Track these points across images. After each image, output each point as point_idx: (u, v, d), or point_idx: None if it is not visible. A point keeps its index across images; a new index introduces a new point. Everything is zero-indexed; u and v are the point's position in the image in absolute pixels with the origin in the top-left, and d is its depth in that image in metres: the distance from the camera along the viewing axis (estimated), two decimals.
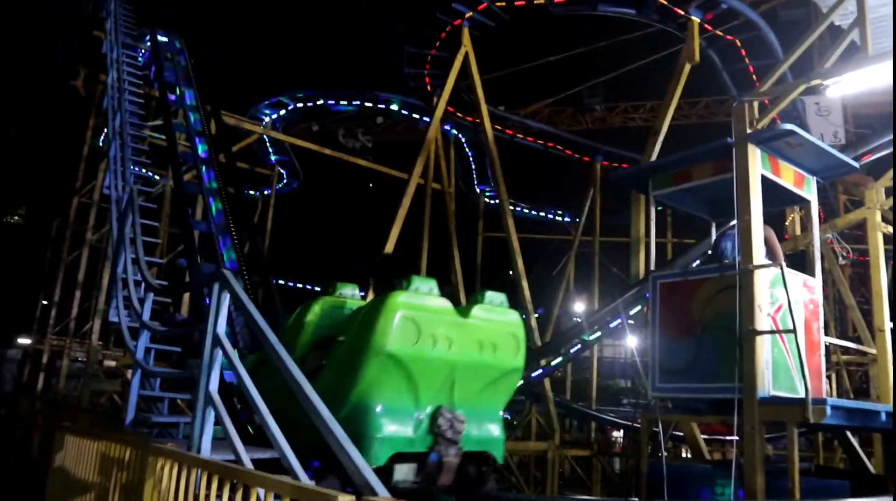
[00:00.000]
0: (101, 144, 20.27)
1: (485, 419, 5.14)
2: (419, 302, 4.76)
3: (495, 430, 5.21)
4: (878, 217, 8.98)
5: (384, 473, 4.36)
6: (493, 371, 5.12)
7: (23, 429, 17.65)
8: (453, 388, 4.88)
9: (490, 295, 5.19)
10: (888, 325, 8.22)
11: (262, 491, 3.19)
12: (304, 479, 3.52)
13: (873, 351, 8.55)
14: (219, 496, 3.45)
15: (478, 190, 27.26)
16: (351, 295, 6.05)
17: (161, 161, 17.64)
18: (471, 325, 4.94)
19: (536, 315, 17.60)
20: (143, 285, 7.39)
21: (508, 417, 6.38)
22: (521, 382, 5.66)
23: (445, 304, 4.92)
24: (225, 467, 3.57)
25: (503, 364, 5.13)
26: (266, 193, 26.38)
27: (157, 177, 20.13)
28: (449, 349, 4.78)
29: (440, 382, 4.82)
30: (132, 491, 4.30)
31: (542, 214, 29.80)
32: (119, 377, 18.38)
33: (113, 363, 19.60)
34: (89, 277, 20.00)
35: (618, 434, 24.10)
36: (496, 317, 5.13)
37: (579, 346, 14.04)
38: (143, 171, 11.65)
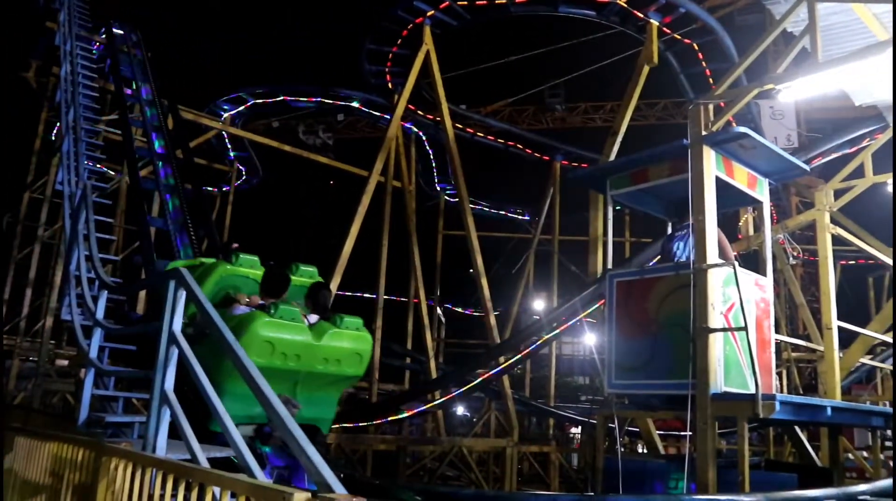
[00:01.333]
0: (53, 138, 19.81)
1: (319, 403, 6.33)
2: (278, 327, 5.75)
3: (326, 412, 6.45)
4: (827, 219, 9.24)
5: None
6: (334, 378, 6.26)
7: None
8: (296, 385, 6.05)
9: (347, 321, 6.25)
10: (835, 323, 8.47)
11: (217, 490, 3.17)
12: (261, 477, 3.51)
13: (821, 348, 8.79)
14: (174, 495, 3.42)
15: (438, 188, 27.29)
16: (250, 267, 7.08)
17: (116, 156, 17.30)
18: (321, 346, 6.01)
19: (496, 313, 17.70)
20: (96, 282, 7.27)
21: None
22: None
23: (301, 331, 5.92)
24: (180, 466, 3.54)
25: (343, 373, 6.26)
26: (224, 189, 26.05)
27: (111, 173, 19.75)
28: (297, 362, 5.91)
29: (285, 382, 5.89)
30: (85, 493, 4.23)
31: (502, 212, 29.95)
32: (72, 376, 17.99)
33: (65, 363, 19.17)
34: (41, 274, 19.51)
35: (576, 431, 24.41)
36: (345, 342, 6.18)
37: (538, 344, 14.16)
38: (98, 166, 11.43)
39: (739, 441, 5.85)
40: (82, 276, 7.41)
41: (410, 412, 15.22)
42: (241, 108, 24.02)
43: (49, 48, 17.20)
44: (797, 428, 7.95)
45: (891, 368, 12.45)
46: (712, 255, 6.29)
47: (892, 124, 9.53)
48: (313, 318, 6.25)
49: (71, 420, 7.19)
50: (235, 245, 8.19)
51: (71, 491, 4.46)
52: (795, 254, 13.05)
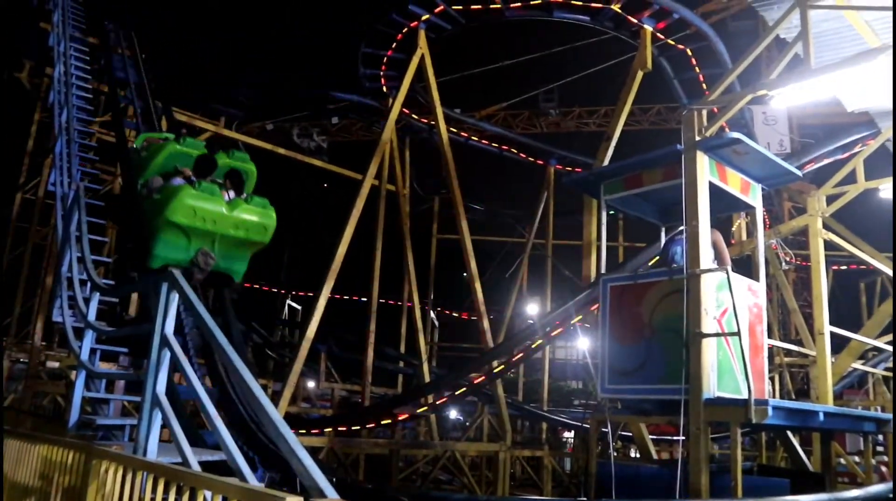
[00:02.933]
0: (50, 145, 19.73)
1: (232, 259, 8.58)
2: (199, 198, 7.89)
3: (238, 266, 8.75)
4: (820, 224, 9.27)
5: (160, 271, 7.39)
6: (243, 241, 8.46)
7: None
8: (214, 242, 8.23)
9: (256, 200, 8.53)
10: (827, 328, 8.49)
11: (209, 494, 3.15)
12: (252, 481, 3.50)
13: (814, 353, 8.81)
14: (164, 499, 3.40)
15: (432, 192, 27.27)
16: (194, 148, 8.99)
17: (109, 158, 17.24)
18: (233, 216, 8.19)
19: (490, 317, 17.69)
20: (88, 284, 7.24)
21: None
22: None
23: (218, 203, 8.06)
24: (171, 469, 3.52)
25: (251, 239, 8.47)
26: None
27: (105, 174, 19.68)
28: (214, 226, 8.08)
29: (206, 239, 8.16)
30: (75, 496, 4.20)
31: (496, 216, 29.94)
32: (63, 378, 17.89)
33: (56, 364, 19.06)
34: (32, 275, 19.43)
35: (569, 435, 24.38)
36: (253, 216, 8.40)
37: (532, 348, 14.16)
38: (90, 167, 11.38)
39: (732, 446, 5.85)
40: (74, 278, 7.38)
41: (403, 416, 15.18)
42: (235, 110, 23.96)
43: (43, 49, 17.13)
44: (789, 433, 7.96)
45: (883, 373, 12.50)
46: (706, 260, 6.30)
47: (893, 128, 9.58)
48: (232, 194, 8.35)
49: (61, 423, 7.15)
50: (184, 131, 9.94)
51: (61, 494, 4.43)
52: (788, 259, 13.08)
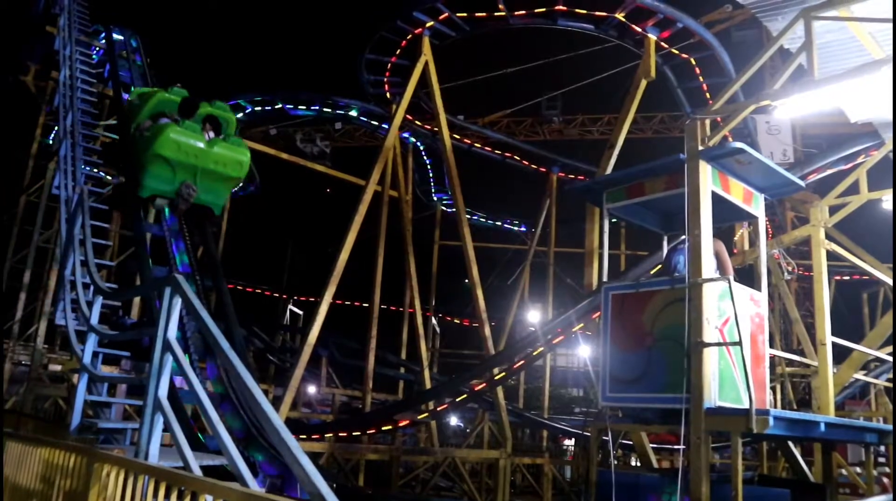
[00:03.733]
0: (51, 142, 19.79)
1: (212, 192, 9.82)
2: (182, 134, 9.15)
3: (217, 199, 10.05)
4: (822, 234, 9.25)
5: (150, 201, 9.67)
6: (222, 176, 9.74)
7: None
8: (196, 176, 9.47)
9: (234, 139, 9.84)
10: (829, 339, 8.48)
11: (210, 498, 3.16)
12: (253, 486, 3.50)
13: (816, 364, 8.80)
14: None
15: (435, 198, 27.32)
16: (178, 95, 10.18)
17: (113, 161, 17.29)
18: (212, 152, 9.44)
19: (491, 324, 17.69)
20: (91, 287, 7.26)
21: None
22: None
23: (199, 139, 9.29)
24: (172, 473, 3.53)
25: (228, 174, 9.75)
26: None
27: (108, 177, 19.73)
28: (196, 160, 9.32)
29: (189, 172, 9.43)
30: (77, 499, 4.21)
31: (499, 223, 29.98)
32: (64, 381, 17.90)
33: (58, 367, 19.08)
34: (35, 278, 19.48)
35: (569, 443, 24.36)
36: (230, 152, 9.64)
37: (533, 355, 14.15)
38: (95, 171, 11.42)
39: (733, 455, 5.84)
40: (77, 281, 7.40)
41: (404, 422, 15.17)
42: (238, 115, 24.04)
43: (48, 52, 17.22)
44: (791, 443, 7.95)
45: (884, 384, 12.48)
46: (708, 269, 6.30)
47: (892, 140, 9.59)
48: (211, 135, 9.64)
49: (63, 426, 7.16)
50: (179, 84, 10.90)
51: (62, 497, 4.44)
52: (790, 269, 13.07)
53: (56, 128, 17.01)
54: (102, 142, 15.55)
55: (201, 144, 9.30)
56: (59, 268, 8.81)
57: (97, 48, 16.06)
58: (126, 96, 12.34)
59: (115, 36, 15.86)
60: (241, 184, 11.34)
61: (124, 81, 14.30)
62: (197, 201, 9.76)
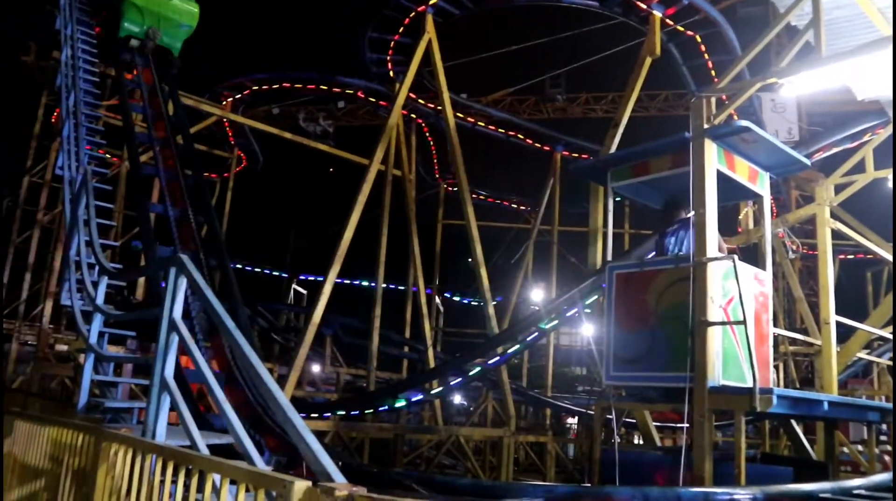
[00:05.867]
0: (53, 122, 19.75)
1: (172, 37, 13.50)
2: None
3: (175, 43, 13.68)
4: (827, 213, 9.23)
5: (125, 41, 13.52)
6: (179, 23, 13.41)
7: None
8: (160, 22, 13.24)
9: None
10: (833, 318, 8.48)
11: (217, 477, 3.19)
12: (260, 464, 3.53)
13: (819, 343, 8.81)
14: (174, 481, 3.44)
15: (438, 177, 27.26)
16: None
17: (116, 141, 17.27)
18: (171, 4, 13.29)
19: (495, 303, 17.70)
20: (96, 267, 7.28)
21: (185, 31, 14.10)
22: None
23: None
24: (180, 452, 3.56)
25: (184, 22, 13.64)
26: (224, 175, 26.03)
27: (111, 157, 19.70)
28: (159, 9, 13.26)
29: (154, 19, 13.16)
30: (84, 477, 4.25)
31: (502, 202, 29.92)
32: (71, 361, 18.02)
33: (64, 347, 19.19)
34: (40, 259, 19.53)
35: (572, 421, 24.48)
36: (185, 4, 13.62)
37: (536, 334, 14.16)
38: (98, 151, 11.40)
39: (736, 434, 5.87)
40: (82, 261, 7.42)
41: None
42: (241, 94, 23.97)
43: (49, 32, 17.10)
44: (793, 422, 7.98)
45: (887, 363, 12.50)
46: (712, 248, 6.30)
47: (892, 119, 9.52)
48: None
49: (70, 405, 7.22)
50: None
51: (70, 476, 4.48)
52: (795, 248, 13.02)
53: (58, 108, 16.95)
54: (105, 122, 15.53)
55: None
56: (64, 249, 8.84)
57: (98, 27, 15.93)
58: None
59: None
60: (193, 31, 14.26)
61: (126, 61, 14.21)
62: (161, 43, 13.66)
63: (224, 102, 23.78)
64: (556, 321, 13.64)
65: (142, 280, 15.86)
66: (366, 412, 15.40)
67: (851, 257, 25.14)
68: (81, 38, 13.84)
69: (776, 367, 13.29)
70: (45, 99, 19.59)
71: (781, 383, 14.11)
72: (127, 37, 13.52)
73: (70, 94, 12.00)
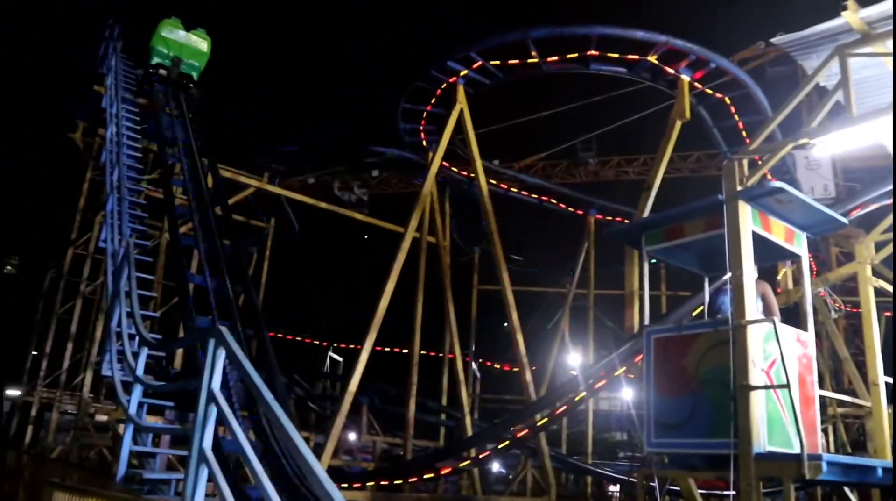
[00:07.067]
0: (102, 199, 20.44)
1: (191, 66, 17.21)
2: (173, 26, 17.16)
3: (195, 71, 17.31)
4: (869, 271, 9.05)
5: (156, 68, 16.93)
6: (198, 52, 17.35)
7: (9, 484, 17.31)
8: (181, 52, 17.10)
9: (200, 30, 17.50)
10: (882, 378, 8.22)
11: None
12: None
13: (869, 404, 8.53)
14: None
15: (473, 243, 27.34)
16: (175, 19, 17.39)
17: (157, 213, 17.76)
18: (191, 39, 17.32)
19: (532, 368, 17.50)
20: (137, 338, 7.39)
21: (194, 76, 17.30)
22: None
23: (181, 29, 17.19)
24: None
25: (202, 51, 17.45)
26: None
27: (152, 230, 20.21)
28: (181, 42, 17.11)
29: (177, 50, 16.98)
30: None
31: (537, 267, 29.82)
32: (109, 430, 18.13)
33: (104, 417, 19.34)
34: (81, 328, 19.90)
35: (614, 489, 23.77)
36: (200, 38, 17.48)
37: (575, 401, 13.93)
38: (139, 225, 11.71)
39: None
40: (123, 332, 7.54)
41: (446, 470, 14.98)
42: (277, 165, 24.51)
43: (96, 110, 17.86)
44: (846, 489, 7.68)
45: None
46: (751, 310, 6.20)
47: (893, 173, 9.38)
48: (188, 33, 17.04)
49: (108, 476, 7.23)
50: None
51: None
52: (837, 307, 12.74)
53: (103, 183, 17.59)
54: (147, 195, 15.99)
55: (182, 33, 17.03)
56: (106, 320, 9.01)
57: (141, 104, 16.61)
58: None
59: (159, 93, 16.41)
60: (207, 59, 17.50)
61: (167, 137, 14.72)
62: (183, 70, 16.89)
63: (262, 174, 24.36)
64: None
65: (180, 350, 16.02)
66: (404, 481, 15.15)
67: None
68: (126, 115, 14.42)
69: (825, 431, 12.87)
70: (90, 174, 20.28)
71: (831, 447, 13.63)
72: (157, 64, 16.68)
73: (114, 169, 12.43)
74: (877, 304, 9.01)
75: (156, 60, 16.71)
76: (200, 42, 17.30)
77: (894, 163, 8.18)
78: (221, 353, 4.70)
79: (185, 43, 17.00)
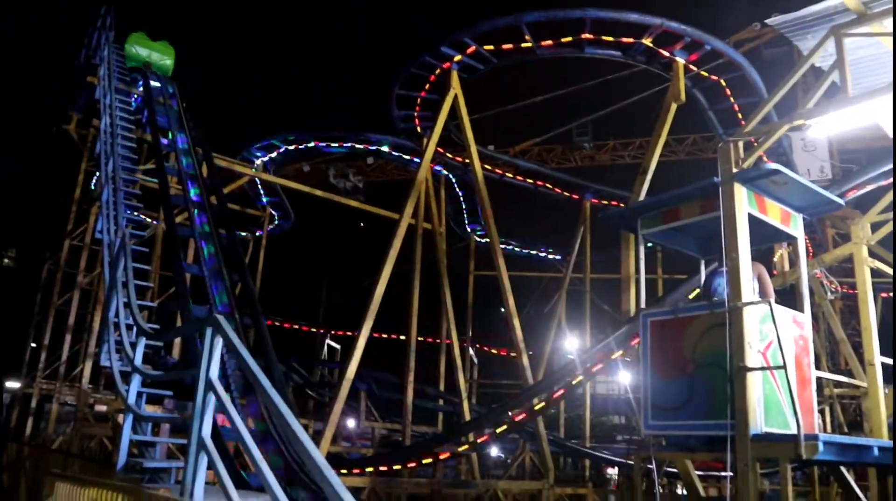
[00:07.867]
0: (93, 187, 20.34)
1: (160, 68, 17.73)
2: (141, 37, 17.74)
3: (164, 70, 17.77)
4: (865, 252, 9.06)
5: (133, 70, 17.49)
6: (165, 55, 17.99)
7: (10, 475, 17.37)
8: (151, 56, 17.67)
9: (163, 43, 18.11)
10: (878, 359, 8.26)
11: None
12: None
13: (865, 385, 8.57)
14: None
15: (468, 229, 27.36)
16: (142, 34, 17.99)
17: (152, 203, 17.71)
18: (155, 46, 17.94)
19: (529, 353, 17.55)
20: (134, 328, 7.39)
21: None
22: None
23: (147, 40, 17.87)
24: None
25: (167, 56, 18.03)
26: (257, 234, 26.43)
27: (148, 220, 20.16)
28: (150, 48, 17.80)
29: (148, 56, 17.68)
30: None
31: (533, 252, 29.87)
32: (109, 420, 18.15)
33: (103, 407, 19.36)
34: (80, 320, 19.90)
35: (612, 472, 23.92)
36: (164, 47, 18.08)
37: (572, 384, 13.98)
38: (135, 214, 11.68)
39: (783, 483, 5.71)
40: (121, 323, 7.54)
41: (444, 455, 15.06)
42: (273, 154, 24.46)
43: (90, 101, 17.79)
44: (843, 468, 7.73)
45: None
46: (747, 292, 6.22)
47: (892, 154, 9.39)
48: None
49: (109, 465, 7.26)
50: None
51: None
52: (833, 288, 12.78)
53: (97, 174, 17.54)
54: (142, 185, 15.96)
55: (145, 51, 17.54)
56: (103, 310, 9.00)
57: (135, 96, 16.53)
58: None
59: (153, 83, 16.32)
60: (173, 66, 18.03)
61: (162, 126, 14.65)
62: (155, 68, 17.39)
63: (256, 162, 24.28)
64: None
65: (178, 339, 16.03)
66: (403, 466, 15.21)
67: (892, 294, 24.53)
68: (119, 106, 14.34)
69: (821, 411, 12.92)
70: (85, 165, 20.21)
71: (828, 427, 13.70)
72: (133, 67, 17.56)
73: (109, 160, 12.38)
74: (873, 285, 9.02)
75: (131, 62, 17.66)
76: (165, 48, 18.10)
77: (894, 143, 8.19)
78: (219, 342, 4.70)
79: (154, 49, 17.90)
